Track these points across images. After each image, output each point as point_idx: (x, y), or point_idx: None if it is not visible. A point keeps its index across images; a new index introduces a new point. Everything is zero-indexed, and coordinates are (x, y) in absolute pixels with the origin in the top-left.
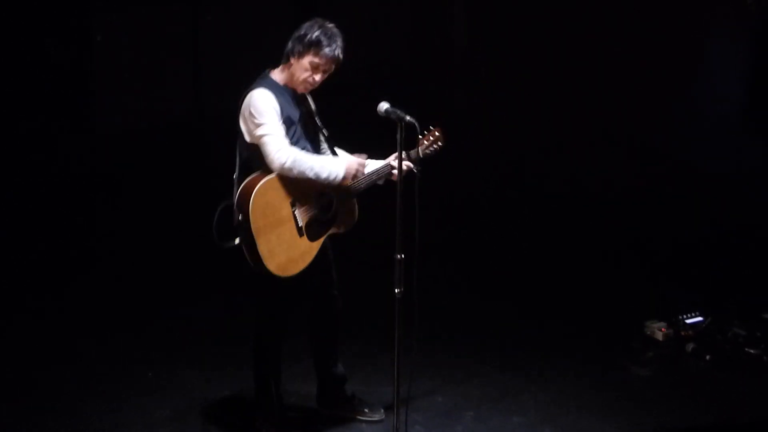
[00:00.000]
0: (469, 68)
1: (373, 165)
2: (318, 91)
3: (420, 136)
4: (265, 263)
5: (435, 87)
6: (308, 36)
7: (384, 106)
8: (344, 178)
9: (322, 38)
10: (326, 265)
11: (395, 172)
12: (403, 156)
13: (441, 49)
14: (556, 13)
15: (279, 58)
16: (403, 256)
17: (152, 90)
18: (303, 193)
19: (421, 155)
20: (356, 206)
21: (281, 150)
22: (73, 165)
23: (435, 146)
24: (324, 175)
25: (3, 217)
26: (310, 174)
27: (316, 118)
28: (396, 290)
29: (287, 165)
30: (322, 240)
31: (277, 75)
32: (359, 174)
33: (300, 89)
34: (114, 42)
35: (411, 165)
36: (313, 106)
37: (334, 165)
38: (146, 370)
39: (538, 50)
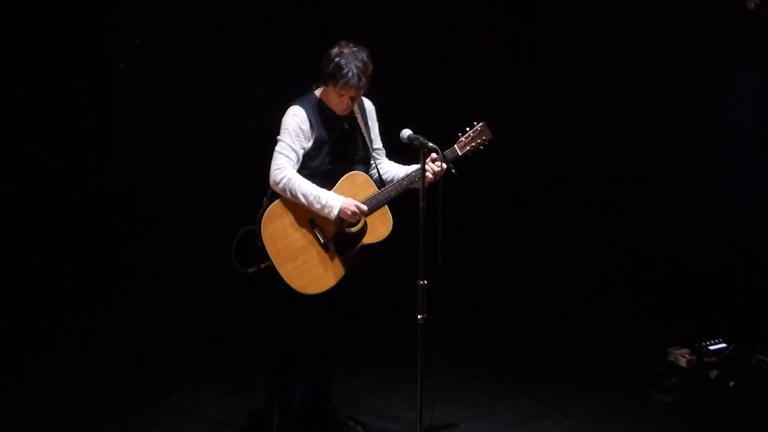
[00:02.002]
0: (490, 95)
1: (402, 170)
2: None
3: (460, 134)
4: (290, 284)
5: (456, 114)
6: (326, 68)
7: (407, 132)
8: (339, 215)
9: (336, 71)
10: (352, 282)
11: (429, 174)
12: (437, 156)
13: (462, 76)
14: (578, 42)
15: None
16: (425, 282)
17: (174, 116)
18: None
19: (460, 154)
20: (389, 214)
21: (280, 169)
22: (94, 191)
23: (479, 141)
24: (316, 206)
25: (24, 245)
26: (302, 200)
27: (367, 136)
28: (419, 316)
29: (280, 185)
30: (354, 252)
31: (323, 93)
32: (354, 218)
33: (338, 111)
34: (136, 68)
35: (445, 166)
36: (369, 123)
37: (329, 200)
38: (169, 395)
39: (560, 78)
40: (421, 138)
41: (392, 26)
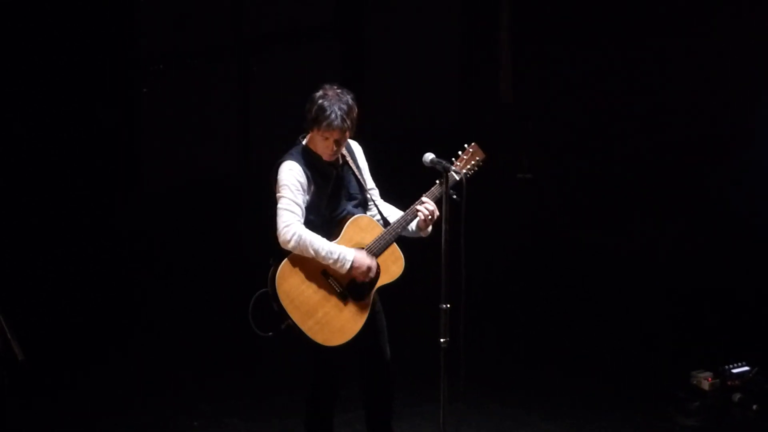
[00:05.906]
0: (515, 124)
1: (397, 211)
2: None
3: (453, 158)
4: (315, 339)
5: (481, 142)
6: (310, 112)
7: (429, 156)
8: (352, 269)
9: (320, 113)
10: (377, 327)
11: (420, 216)
12: (426, 198)
13: (488, 104)
14: (603, 71)
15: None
16: (449, 305)
17: (200, 144)
18: None
19: (457, 178)
20: (399, 252)
21: (289, 226)
22: (120, 220)
23: (474, 162)
24: (329, 261)
25: (49, 275)
26: (314, 255)
27: (361, 177)
28: (442, 340)
29: (291, 243)
30: (371, 295)
31: (309, 141)
32: (370, 272)
33: (325, 157)
34: (160, 97)
35: (434, 209)
36: (360, 164)
37: (342, 254)
38: (192, 420)
39: (586, 107)
40: (444, 162)
41: (418, 54)
